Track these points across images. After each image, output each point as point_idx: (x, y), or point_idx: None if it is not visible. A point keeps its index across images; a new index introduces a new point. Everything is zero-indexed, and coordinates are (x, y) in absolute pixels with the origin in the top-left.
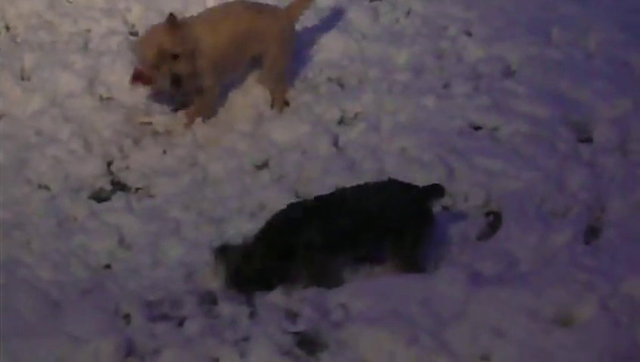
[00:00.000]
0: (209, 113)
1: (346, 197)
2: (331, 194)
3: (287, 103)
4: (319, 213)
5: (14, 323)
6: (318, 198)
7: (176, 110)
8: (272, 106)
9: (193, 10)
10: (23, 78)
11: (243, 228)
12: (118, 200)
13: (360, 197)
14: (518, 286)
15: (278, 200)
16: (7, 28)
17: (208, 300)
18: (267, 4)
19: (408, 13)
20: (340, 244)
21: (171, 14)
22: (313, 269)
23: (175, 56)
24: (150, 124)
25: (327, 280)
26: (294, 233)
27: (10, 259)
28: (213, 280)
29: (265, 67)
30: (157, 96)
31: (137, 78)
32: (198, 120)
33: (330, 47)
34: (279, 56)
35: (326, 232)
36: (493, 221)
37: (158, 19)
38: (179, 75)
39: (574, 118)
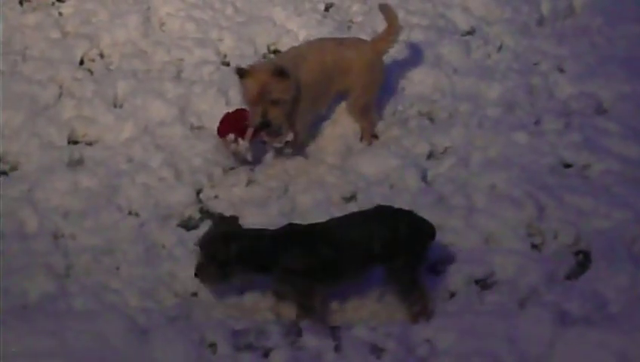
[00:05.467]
0: (300, 150)
1: (332, 227)
2: (321, 223)
3: (376, 136)
4: (305, 238)
5: (102, 349)
6: (309, 225)
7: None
8: (361, 139)
9: (285, 42)
10: (115, 106)
11: None
12: (206, 228)
13: (345, 226)
14: (607, 328)
15: None
16: (102, 55)
17: (294, 332)
18: (350, 37)
19: (500, 48)
20: (320, 273)
21: (282, 69)
22: (296, 294)
23: (274, 102)
24: (240, 153)
25: (311, 306)
26: (279, 252)
27: (99, 285)
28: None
29: (350, 100)
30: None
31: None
32: (288, 150)
33: (420, 81)
34: (365, 89)
35: (307, 259)
36: (583, 260)
37: (249, 49)
38: (269, 121)
39: None
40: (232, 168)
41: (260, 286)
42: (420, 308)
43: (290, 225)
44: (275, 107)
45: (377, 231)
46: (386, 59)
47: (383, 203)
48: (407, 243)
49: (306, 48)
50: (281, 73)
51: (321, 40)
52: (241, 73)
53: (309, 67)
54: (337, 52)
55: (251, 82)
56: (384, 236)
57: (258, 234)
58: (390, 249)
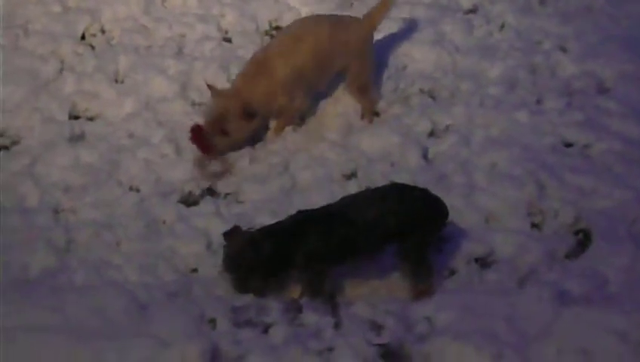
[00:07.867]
0: (293, 123)
1: (347, 206)
2: (334, 203)
3: (377, 114)
4: (322, 223)
5: (102, 324)
6: (323, 208)
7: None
8: (362, 117)
9: (286, 19)
10: (117, 81)
11: None
12: (206, 204)
13: (360, 204)
14: (606, 307)
15: None
16: (103, 31)
17: (293, 308)
18: (344, 15)
19: (502, 26)
20: (338, 254)
21: (250, 110)
22: (309, 278)
23: (224, 132)
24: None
25: (321, 290)
26: (298, 240)
27: (100, 260)
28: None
29: (349, 79)
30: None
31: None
32: (289, 128)
33: (422, 59)
34: (363, 67)
35: (326, 243)
36: (583, 239)
37: (251, 25)
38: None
39: None
40: None
41: None
42: (425, 286)
43: (300, 212)
44: (224, 137)
45: (394, 208)
46: (388, 36)
47: (383, 180)
48: (423, 220)
49: (299, 34)
50: (248, 115)
51: (316, 21)
52: (213, 92)
53: (302, 53)
54: (332, 33)
55: (214, 105)
56: (400, 212)
57: (273, 229)
58: (406, 225)
